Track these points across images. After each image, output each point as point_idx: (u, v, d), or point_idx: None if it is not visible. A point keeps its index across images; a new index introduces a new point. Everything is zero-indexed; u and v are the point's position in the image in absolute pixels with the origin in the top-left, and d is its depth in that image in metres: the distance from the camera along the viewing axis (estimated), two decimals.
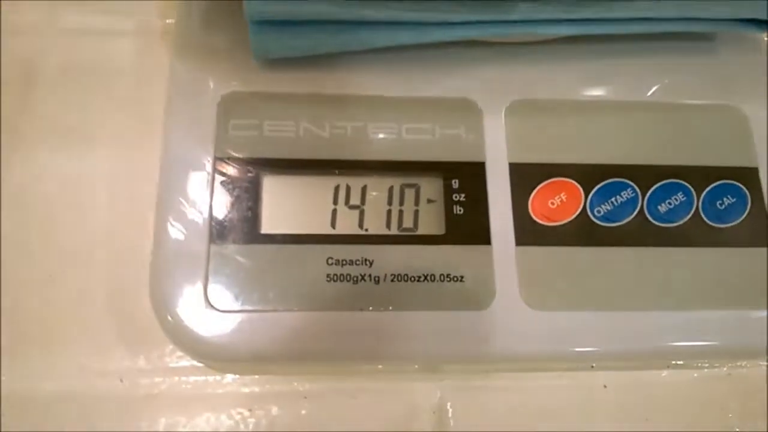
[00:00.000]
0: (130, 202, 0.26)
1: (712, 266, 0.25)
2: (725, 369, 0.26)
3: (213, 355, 0.24)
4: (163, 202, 0.24)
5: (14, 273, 0.25)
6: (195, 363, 0.25)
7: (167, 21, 0.29)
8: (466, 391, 0.25)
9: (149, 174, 0.25)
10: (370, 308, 0.24)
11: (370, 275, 0.24)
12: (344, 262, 0.24)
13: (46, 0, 0.29)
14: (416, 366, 0.26)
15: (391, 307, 0.24)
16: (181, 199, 0.24)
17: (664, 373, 0.26)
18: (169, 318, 0.23)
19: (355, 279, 0.24)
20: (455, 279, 0.24)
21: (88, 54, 0.28)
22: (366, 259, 0.24)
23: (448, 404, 0.25)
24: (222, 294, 0.23)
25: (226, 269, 0.23)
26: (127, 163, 0.26)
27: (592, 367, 0.26)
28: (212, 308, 0.23)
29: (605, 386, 0.26)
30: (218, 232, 0.24)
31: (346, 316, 0.24)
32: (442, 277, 0.24)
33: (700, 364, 0.26)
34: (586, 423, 0.26)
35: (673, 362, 0.26)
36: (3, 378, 0.24)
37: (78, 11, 0.29)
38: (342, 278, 0.24)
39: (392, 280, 0.24)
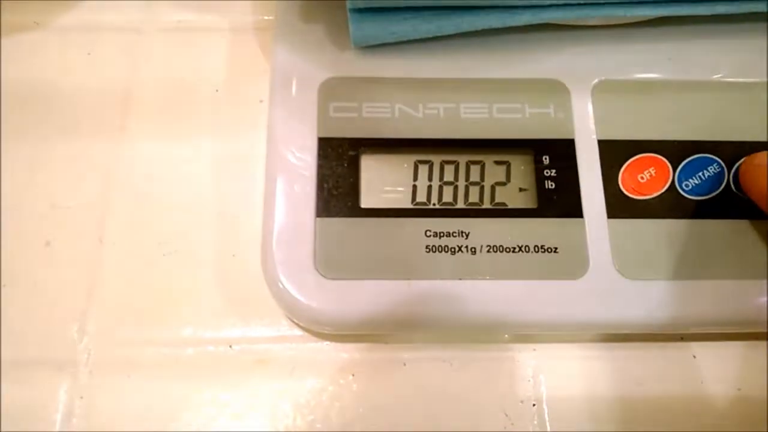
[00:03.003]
0: (237, 181, 0.28)
1: None
2: None
3: (319, 322, 0.25)
4: (270, 179, 0.25)
5: (127, 248, 0.27)
6: (302, 330, 0.26)
7: (263, 17, 0.31)
8: (558, 360, 0.26)
9: (254, 155, 0.26)
10: (468, 277, 0.25)
11: (466, 246, 0.25)
12: (441, 234, 0.25)
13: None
14: (506, 336, 0.27)
15: (488, 276, 0.25)
16: (288, 175, 0.25)
17: (756, 344, 0.27)
18: (280, 285, 0.24)
19: (452, 250, 0.25)
20: (549, 250, 0.25)
21: (188, 49, 0.30)
22: (462, 231, 0.25)
23: (541, 375, 0.26)
24: (329, 263, 0.24)
25: (331, 240, 0.25)
26: (233, 145, 0.28)
27: (681, 339, 0.27)
28: (320, 276, 0.24)
29: (694, 357, 0.27)
30: (323, 206, 0.25)
31: (444, 284, 0.25)
32: (536, 248, 0.25)
33: None
34: (674, 392, 0.26)
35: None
36: (118, 340, 0.26)
37: (175, 10, 0.31)
38: (440, 249, 0.25)
39: (488, 251, 0.25)
